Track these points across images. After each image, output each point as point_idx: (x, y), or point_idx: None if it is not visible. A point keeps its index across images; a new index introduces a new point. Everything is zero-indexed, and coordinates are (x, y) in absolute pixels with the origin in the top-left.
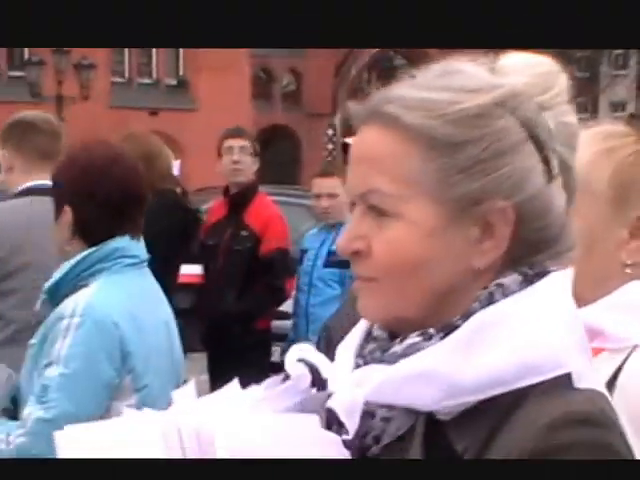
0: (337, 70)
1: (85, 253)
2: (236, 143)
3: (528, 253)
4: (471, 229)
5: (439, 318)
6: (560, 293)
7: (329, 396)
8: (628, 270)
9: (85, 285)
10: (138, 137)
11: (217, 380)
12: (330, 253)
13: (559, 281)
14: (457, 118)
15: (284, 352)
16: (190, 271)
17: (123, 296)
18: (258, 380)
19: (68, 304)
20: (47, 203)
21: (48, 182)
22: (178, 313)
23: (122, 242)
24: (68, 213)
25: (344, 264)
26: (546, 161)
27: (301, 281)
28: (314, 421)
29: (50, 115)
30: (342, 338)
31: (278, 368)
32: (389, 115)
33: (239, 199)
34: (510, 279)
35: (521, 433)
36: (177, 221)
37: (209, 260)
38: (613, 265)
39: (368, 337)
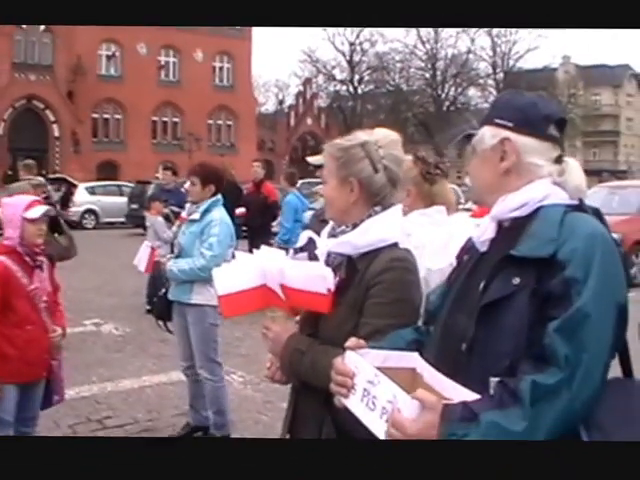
0: (288, 139)
1: (214, 199)
2: (257, 165)
3: (371, 198)
4: (347, 187)
5: (347, 220)
6: (394, 213)
7: (310, 256)
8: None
9: (211, 211)
10: (223, 163)
11: (252, 247)
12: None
13: (395, 209)
14: (340, 148)
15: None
16: (241, 210)
17: (225, 214)
18: (266, 245)
19: (213, 216)
20: None
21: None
22: (236, 224)
23: (219, 196)
24: (212, 187)
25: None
26: (373, 166)
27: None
28: (315, 264)
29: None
30: (314, 231)
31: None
32: (325, 148)
33: (259, 184)
34: (377, 208)
35: (378, 264)
36: (233, 191)
37: (249, 206)
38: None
39: (332, 229)
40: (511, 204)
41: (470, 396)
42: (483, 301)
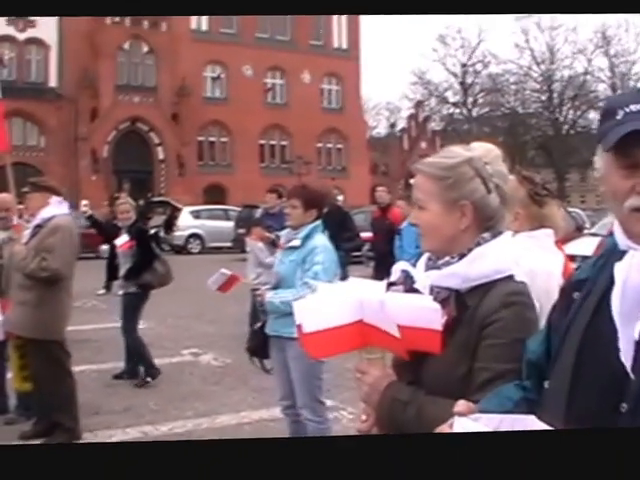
0: (403, 162)
1: (315, 224)
2: (382, 189)
3: (483, 222)
4: (456, 212)
5: (454, 250)
6: (507, 240)
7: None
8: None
9: (312, 237)
10: (325, 185)
11: (377, 273)
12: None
13: (507, 236)
14: (444, 167)
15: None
16: (364, 234)
17: (327, 240)
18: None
19: (316, 242)
20: None
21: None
22: (345, 250)
23: (319, 221)
24: (315, 211)
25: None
26: (485, 185)
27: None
28: (421, 296)
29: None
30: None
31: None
32: (420, 169)
33: (384, 209)
34: (487, 235)
35: (494, 299)
36: (337, 215)
37: (376, 231)
38: None
39: (428, 260)
40: None
41: None
42: None
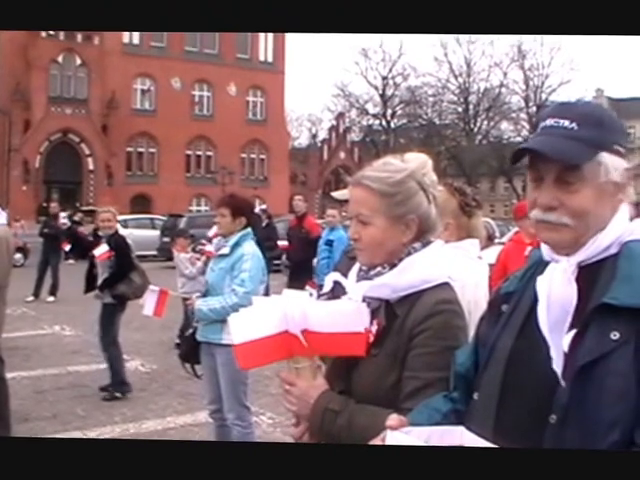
0: (320, 172)
1: (244, 232)
2: (298, 198)
3: (424, 233)
4: (401, 227)
5: (390, 261)
6: (438, 249)
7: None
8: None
9: (241, 244)
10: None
11: (293, 283)
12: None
13: (437, 245)
14: (392, 184)
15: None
16: (281, 243)
17: (257, 248)
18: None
19: (245, 250)
20: None
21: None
22: (269, 258)
23: (249, 229)
24: (243, 219)
25: (330, 244)
26: (427, 197)
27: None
28: (345, 301)
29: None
30: (343, 273)
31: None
32: (364, 183)
33: (301, 218)
34: (417, 244)
35: (422, 308)
36: (258, 224)
37: (291, 240)
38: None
39: (360, 271)
40: (603, 243)
41: None
42: (580, 361)
